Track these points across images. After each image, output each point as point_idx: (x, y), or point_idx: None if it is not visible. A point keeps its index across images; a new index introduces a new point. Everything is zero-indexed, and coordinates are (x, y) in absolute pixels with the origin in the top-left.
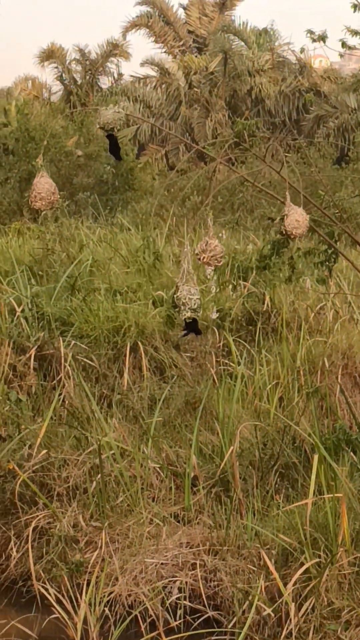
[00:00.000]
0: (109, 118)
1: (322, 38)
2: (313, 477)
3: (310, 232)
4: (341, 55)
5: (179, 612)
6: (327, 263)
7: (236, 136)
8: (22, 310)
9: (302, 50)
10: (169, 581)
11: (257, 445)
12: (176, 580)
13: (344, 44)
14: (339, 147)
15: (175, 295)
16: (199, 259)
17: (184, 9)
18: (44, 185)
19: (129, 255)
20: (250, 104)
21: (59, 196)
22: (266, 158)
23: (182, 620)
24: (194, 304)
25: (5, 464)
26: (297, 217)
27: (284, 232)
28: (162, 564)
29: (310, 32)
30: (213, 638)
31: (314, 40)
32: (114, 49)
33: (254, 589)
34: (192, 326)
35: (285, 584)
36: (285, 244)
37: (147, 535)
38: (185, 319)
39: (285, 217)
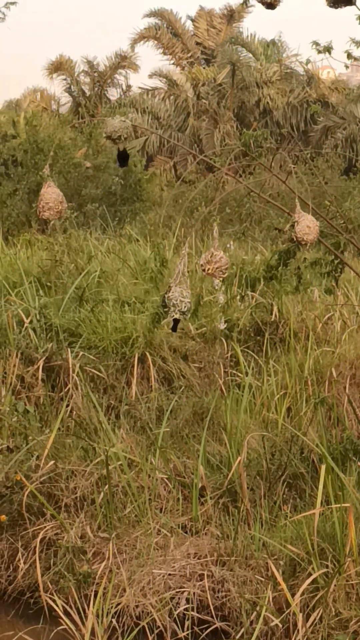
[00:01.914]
0: (115, 127)
1: (328, 49)
2: (320, 487)
3: (317, 243)
4: (347, 67)
5: (186, 623)
6: (333, 273)
7: (243, 147)
8: (31, 322)
9: (308, 61)
10: (177, 592)
11: (264, 456)
12: (184, 591)
13: (349, 55)
14: (347, 158)
15: (166, 295)
16: (204, 271)
17: (192, 20)
18: (51, 195)
19: (137, 266)
20: (258, 115)
21: (66, 205)
22: (274, 169)
23: (189, 631)
24: (184, 307)
25: (13, 475)
26: (307, 224)
27: (295, 239)
28: (169, 574)
29: (316, 43)
30: None
31: (319, 52)
32: (123, 61)
33: (261, 599)
34: (175, 323)
35: (293, 595)
36: (292, 254)
37: (155, 546)
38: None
39: (296, 223)
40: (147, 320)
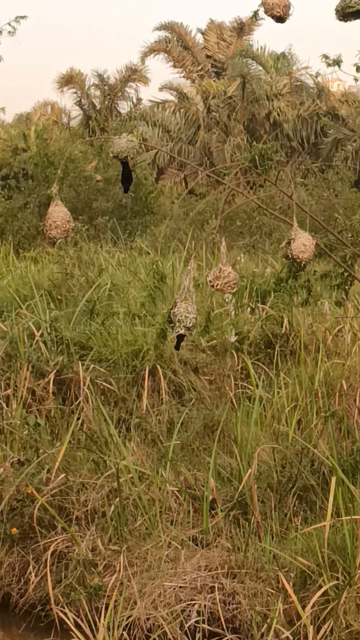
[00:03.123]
0: (122, 147)
1: (337, 63)
2: (331, 499)
3: (325, 256)
4: (356, 80)
5: (197, 635)
6: (343, 286)
7: (251, 160)
8: (41, 335)
9: (318, 74)
10: (188, 604)
11: (275, 468)
12: (195, 604)
13: (358, 69)
14: (357, 171)
15: (171, 311)
16: (213, 287)
17: (202, 33)
18: (58, 214)
19: (146, 279)
20: (268, 128)
21: (73, 225)
22: (284, 181)
23: None
24: (189, 323)
25: (24, 488)
26: (303, 242)
27: (290, 256)
28: (180, 587)
29: (325, 57)
30: None
31: (329, 65)
32: (133, 74)
33: (272, 611)
34: (178, 341)
35: (303, 607)
36: (302, 267)
37: (166, 558)
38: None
39: (292, 241)
40: (155, 334)
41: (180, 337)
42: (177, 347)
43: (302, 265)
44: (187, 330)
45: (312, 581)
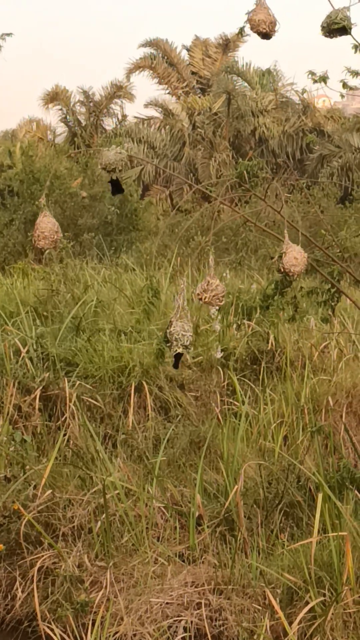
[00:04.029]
0: (111, 159)
1: (323, 79)
2: (317, 515)
3: (313, 271)
4: (343, 96)
5: None
6: (330, 302)
7: (238, 177)
8: (27, 351)
9: (304, 91)
10: (175, 620)
11: (261, 484)
12: (181, 620)
13: (344, 85)
14: (343, 187)
15: (168, 331)
16: (200, 299)
17: (187, 50)
18: (47, 224)
19: (133, 296)
20: (254, 144)
21: (61, 235)
22: (270, 198)
23: None
24: (187, 341)
25: (11, 505)
26: (295, 255)
27: (281, 270)
28: (167, 603)
29: (312, 73)
30: None
31: (315, 82)
32: (118, 91)
33: (259, 628)
34: (176, 359)
35: (290, 623)
36: (289, 283)
37: (152, 574)
38: (175, 354)
39: (283, 254)
40: (150, 354)
41: (178, 356)
42: (175, 366)
43: (295, 278)
44: (185, 348)
45: (298, 597)
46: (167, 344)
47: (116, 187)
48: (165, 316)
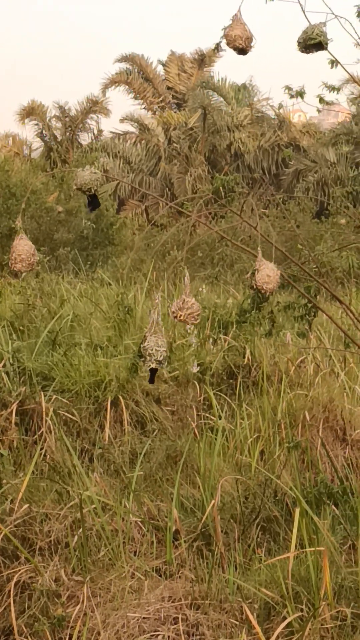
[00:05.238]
0: (86, 179)
1: (300, 94)
2: (295, 530)
3: (290, 286)
4: (319, 111)
5: None
6: (306, 317)
7: (214, 192)
8: (4, 365)
9: (281, 106)
10: (151, 635)
11: (238, 499)
12: (158, 635)
13: (321, 100)
14: (319, 201)
15: (142, 345)
16: (175, 317)
17: (163, 65)
18: (23, 247)
19: (109, 310)
20: (229, 159)
21: (38, 258)
22: (246, 212)
23: None
24: (160, 356)
25: None
26: (268, 272)
27: (254, 287)
28: (144, 618)
29: (288, 88)
30: None
31: (292, 97)
32: (94, 106)
33: None
34: (152, 374)
35: (267, 638)
36: (266, 298)
37: (129, 589)
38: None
39: (256, 272)
40: (125, 369)
41: (154, 371)
42: (151, 381)
43: (267, 295)
44: (159, 363)
45: (276, 612)
46: (141, 359)
47: (93, 202)
48: (141, 330)
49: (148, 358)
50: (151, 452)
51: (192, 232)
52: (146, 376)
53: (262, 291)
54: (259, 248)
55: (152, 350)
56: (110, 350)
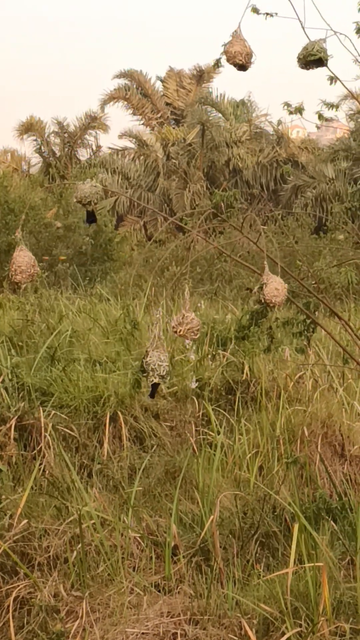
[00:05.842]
0: (86, 192)
1: (299, 110)
2: (293, 546)
3: (288, 302)
4: (318, 127)
5: None
6: (305, 333)
7: (213, 207)
8: (3, 381)
9: (280, 122)
10: None
11: (237, 515)
12: None
13: (320, 117)
14: (317, 217)
15: (144, 361)
16: (175, 332)
17: (162, 81)
18: (23, 258)
19: (108, 326)
20: (228, 175)
21: (38, 269)
22: (244, 228)
23: None
24: (163, 371)
25: None
26: (276, 286)
27: (262, 301)
28: (143, 633)
29: (287, 104)
30: None
31: (290, 113)
32: (93, 122)
33: None
34: (152, 390)
35: None
36: (264, 314)
37: (128, 604)
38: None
39: (264, 285)
40: (128, 385)
41: (155, 386)
42: (152, 396)
43: (276, 309)
44: (161, 378)
45: (275, 628)
46: (144, 374)
47: (90, 216)
48: (141, 346)
49: (151, 373)
50: (150, 467)
51: (191, 248)
52: (146, 391)
53: (271, 304)
54: (265, 262)
55: (154, 365)
56: (109, 366)
